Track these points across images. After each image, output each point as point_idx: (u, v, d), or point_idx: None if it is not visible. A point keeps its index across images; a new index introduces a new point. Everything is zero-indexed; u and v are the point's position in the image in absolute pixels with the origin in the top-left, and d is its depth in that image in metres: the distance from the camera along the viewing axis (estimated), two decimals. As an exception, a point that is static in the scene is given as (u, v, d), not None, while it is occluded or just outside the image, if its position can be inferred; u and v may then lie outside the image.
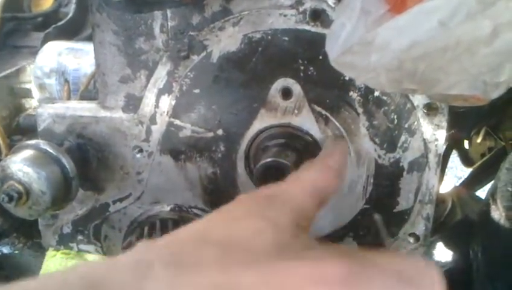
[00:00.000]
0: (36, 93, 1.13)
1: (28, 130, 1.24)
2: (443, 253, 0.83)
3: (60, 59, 1.09)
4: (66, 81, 1.00)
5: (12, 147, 1.14)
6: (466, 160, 1.36)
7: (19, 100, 1.29)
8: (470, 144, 1.36)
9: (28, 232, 1.01)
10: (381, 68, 0.36)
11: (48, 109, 0.72)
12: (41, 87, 1.12)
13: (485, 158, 1.28)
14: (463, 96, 0.45)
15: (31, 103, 1.29)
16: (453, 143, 1.22)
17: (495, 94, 0.46)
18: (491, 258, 0.64)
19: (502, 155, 1.03)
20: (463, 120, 0.96)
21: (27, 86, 1.29)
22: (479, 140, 1.33)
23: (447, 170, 1.14)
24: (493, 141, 1.31)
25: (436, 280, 0.34)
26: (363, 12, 0.40)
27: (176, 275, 0.31)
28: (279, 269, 0.32)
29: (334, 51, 0.40)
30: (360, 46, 0.37)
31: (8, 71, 1.23)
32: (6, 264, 1.04)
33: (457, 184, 1.19)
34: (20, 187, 0.62)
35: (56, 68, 1.09)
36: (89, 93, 0.94)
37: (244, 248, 0.34)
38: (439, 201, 0.86)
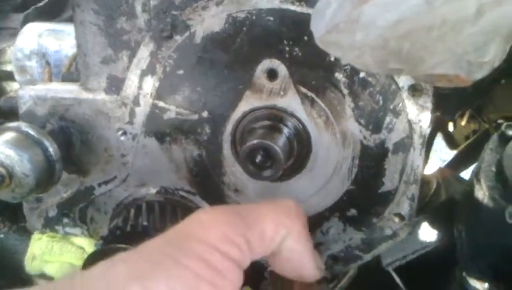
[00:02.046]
0: (17, 76, 1.11)
1: (10, 113, 1.22)
2: (428, 233, 0.84)
3: (40, 41, 1.07)
4: (47, 63, 0.98)
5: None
6: (451, 142, 1.38)
7: (-1, 83, 1.26)
8: (454, 126, 1.37)
9: (13, 216, 1.00)
10: (366, 47, 0.36)
11: (29, 91, 0.71)
12: (22, 69, 1.10)
13: (469, 141, 1.30)
14: (447, 76, 0.45)
15: (13, 86, 1.27)
16: (438, 126, 1.23)
17: (479, 75, 0.46)
18: (474, 237, 0.65)
19: (485, 137, 1.04)
20: (447, 103, 0.97)
21: (8, 68, 1.26)
22: (463, 123, 1.34)
23: (431, 152, 1.15)
24: (477, 123, 1.33)
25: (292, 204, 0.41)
26: (348, -10, 0.40)
27: None
28: None
29: (319, 29, 0.40)
30: (346, 24, 0.36)
31: (-12, 53, 1.20)
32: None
33: (442, 167, 1.20)
34: (2, 170, 0.61)
35: (37, 50, 1.06)
36: (71, 75, 0.92)
37: None
38: (424, 182, 0.86)
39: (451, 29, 0.36)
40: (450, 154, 1.39)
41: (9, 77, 1.23)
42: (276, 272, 0.41)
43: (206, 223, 0.36)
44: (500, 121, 1.12)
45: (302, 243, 0.40)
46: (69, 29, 1.07)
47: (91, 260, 0.64)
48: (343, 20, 0.37)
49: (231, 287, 0.35)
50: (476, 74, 0.46)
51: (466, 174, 1.17)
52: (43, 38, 1.07)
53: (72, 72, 0.95)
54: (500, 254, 0.61)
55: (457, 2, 0.33)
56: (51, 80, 0.92)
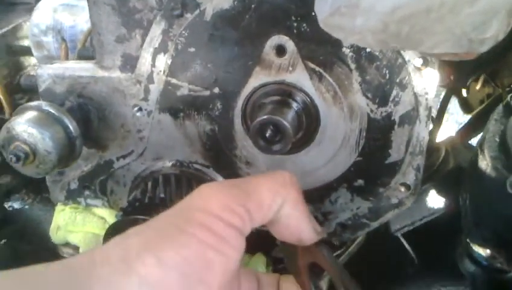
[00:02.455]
0: (34, 51, 1.14)
1: (29, 90, 1.26)
2: (436, 200, 0.87)
3: (55, 16, 1.09)
4: (63, 40, 1.00)
5: (15, 106, 1.16)
6: (465, 106, 1.37)
7: (17, 58, 1.29)
8: (468, 91, 1.36)
9: (37, 188, 1.05)
10: (367, 31, 0.37)
11: (47, 70, 0.73)
12: (39, 44, 1.12)
13: (482, 105, 1.29)
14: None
15: (30, 61, 1.30)
16: (452, 90, 1.22)
17: (483, 49, 0.47)
18: (477, 206, 0.67)
19: (499, 102, 1.04)
20: (460, 68, 0.97)
21: (25, 43, 1.29)
22: (477, 87, 1.34)
23: (448, 115, 1.15)
24: (491, 88, 1.32)
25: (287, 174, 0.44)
26: (351, -28, 0.41)
27: None
28: None
29: (322, 11, 0.41)
30: (346, 8, 0.38)
31: (5, 30, 1.23)
32: (17, 218, 1.09)
33: (453, 134, 1.20)
34: (26, 148, 0.65)
35: (52, 25, 1.09)
36: (86, 52, 0.95)
37: None
38: (433, 150, 0.88)
39: (449, 11, 0.37)
40: (467, 117, 1.39)
41: (27, 51, 1.26)
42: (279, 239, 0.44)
43: (209, 196, 0.40)
44: (514, 86, 1.11)
45: (298, 210, 0.43)
46: (82, 3, 1.08)
47: (112, 231, 0.68)
48: (344, 5, 0.38)
49: (235, 253, 0.38)
50: (478, 49, 0.47)
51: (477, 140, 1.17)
52: (58, 14, 1.09)
53: (87, 48, 0.97)
54: (502, 223, 0.63)
55: (454, -14, 0.34)
56: (67, 57, 0.95)
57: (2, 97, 1.13)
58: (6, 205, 1.05)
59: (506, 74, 1.10)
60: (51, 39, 1.10)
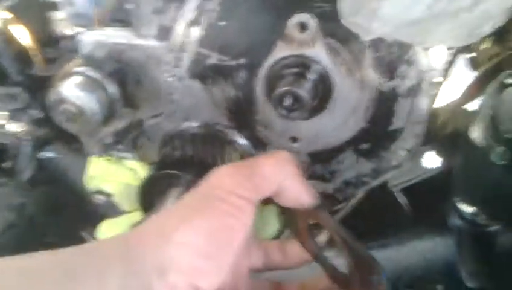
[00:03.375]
0: (63, 8, 1.19)
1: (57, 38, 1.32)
2: (432, 160, 0.96)
3: (83, -24, 1.14)
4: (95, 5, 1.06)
5: (46, 59, 1.23)
6: (473, 63, 1.41)
7: (45, 13, 1.34)
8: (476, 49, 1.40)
9: (68, 139, 1.14)
10: (381, 34, 0.45)
11: (88, 36, 0.81)
12: (69, 2, 1.18)
13: (488, 64, 1.33)
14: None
15: (56, 16, 1.35)
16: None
17: (480, 38, 0.55)
18: (466, 170, 0.77)
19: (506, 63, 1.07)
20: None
21: (51, -1, 1.33)
22: (487, 45, 1.37)
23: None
24: (501, 46, 1.36)
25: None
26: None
27: None
28: None
29: (344, 10, 0.49)
30: (366, 11, 0.45)
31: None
32: (49, 166, 1.18)
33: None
34: (74, 109, 0.74)
35: (80, -16, 1.14)
36: (119, 14, 1.01)
37: None
38: (433, 116, 0.96)
39: (450, 17, 0.45)
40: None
41: (54, 7, 1.31)
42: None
43: (223, 176, 0.49)
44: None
45: (297, 181, 0.51)
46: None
47: (149, 182, 0.79)
48: (363, 7, 0.45)
49: (249, 218, 0.47)
50: (476, 40, 0.55)
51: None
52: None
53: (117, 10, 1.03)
54: (485, 187, 0.73)
55: (455, 3, 0.42)
56: (100, 23, 1.00)
57: (35, 54, 1.20)
58: (40, 154, 1.14)
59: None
60: (80, -3, 1.15)
